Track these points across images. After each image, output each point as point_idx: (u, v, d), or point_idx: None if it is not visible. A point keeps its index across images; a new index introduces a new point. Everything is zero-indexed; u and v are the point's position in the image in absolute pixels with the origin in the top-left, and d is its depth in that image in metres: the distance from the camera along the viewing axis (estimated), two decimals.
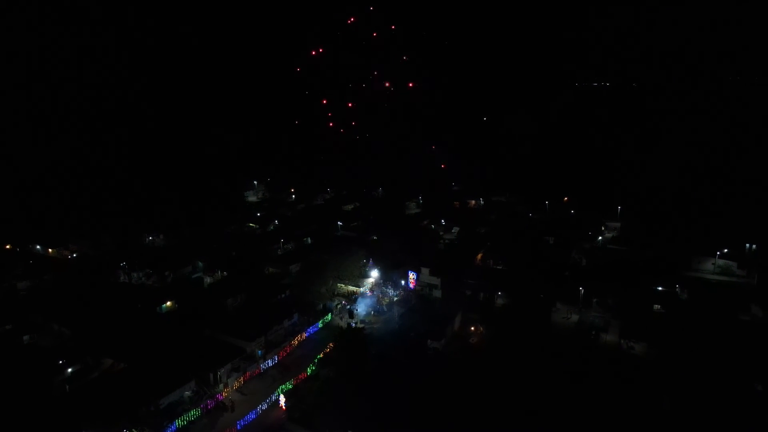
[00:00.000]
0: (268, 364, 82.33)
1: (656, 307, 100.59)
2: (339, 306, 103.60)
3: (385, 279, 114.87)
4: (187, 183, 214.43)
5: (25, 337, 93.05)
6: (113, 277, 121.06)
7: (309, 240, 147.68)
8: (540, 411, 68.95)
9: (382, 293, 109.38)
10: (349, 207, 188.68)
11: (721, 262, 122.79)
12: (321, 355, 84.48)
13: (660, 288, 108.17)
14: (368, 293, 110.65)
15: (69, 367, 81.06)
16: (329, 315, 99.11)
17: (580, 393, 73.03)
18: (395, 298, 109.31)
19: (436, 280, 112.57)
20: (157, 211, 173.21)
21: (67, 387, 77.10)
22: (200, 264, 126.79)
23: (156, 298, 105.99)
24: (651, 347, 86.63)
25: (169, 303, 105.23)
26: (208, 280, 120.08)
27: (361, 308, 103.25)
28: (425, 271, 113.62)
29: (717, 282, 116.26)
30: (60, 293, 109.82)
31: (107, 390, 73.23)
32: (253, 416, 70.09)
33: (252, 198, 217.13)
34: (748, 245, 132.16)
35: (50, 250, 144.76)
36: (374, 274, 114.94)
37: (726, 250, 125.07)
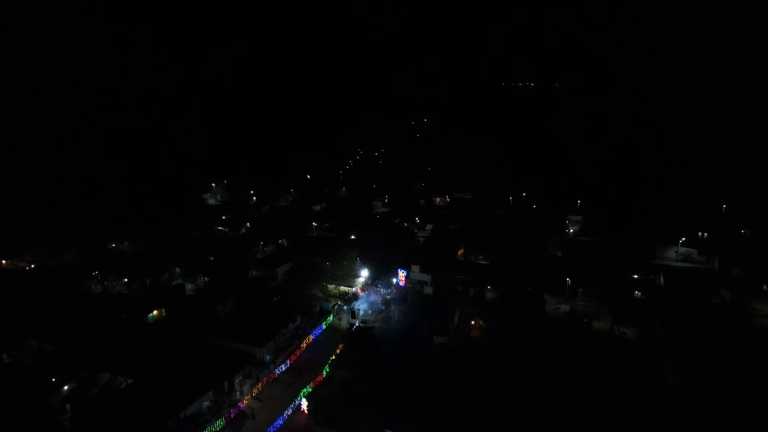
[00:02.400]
0: (281, 368, 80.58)
1: (637, 293, 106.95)
2: (336, 307, 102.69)
3: (375, 278, 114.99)
4: (142, 186, 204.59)
5: (3, 356, 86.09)
6: (85, 288, 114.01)
7: (284, 242, 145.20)
8: (555, 398, 71.71)
9: (375, 291, 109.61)
10: (317, 207, 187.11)
11: (683, 249, 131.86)
12: (333, 357, 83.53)
13: (636, 276, 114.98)
14: (360, 292, 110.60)
15: (64, 385, 75.91)
16: (331, 316, 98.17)
17: (589, 378, 76.44)
18: (388, 296, 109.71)
19: (426, 277, 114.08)
20: (115, 217, 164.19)
21: (68, 406, 72.25)
22: (177, 270, 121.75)
23: (141, 307, 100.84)
24: (641, 331, 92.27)
25: (155, 312, 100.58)
26: (189, 286, 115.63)
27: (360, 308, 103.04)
28: (415, 268, 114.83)
29: (681, 268, 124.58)
30: (29, 307, 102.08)
31: (117, 406, 69.40)
32: (280, 422, 68.56)
33: (211, 201, 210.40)
34: (700, 233, 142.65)
35: (3, 261, 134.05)
36: (364, 273, 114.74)
37: (684, 239, 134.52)
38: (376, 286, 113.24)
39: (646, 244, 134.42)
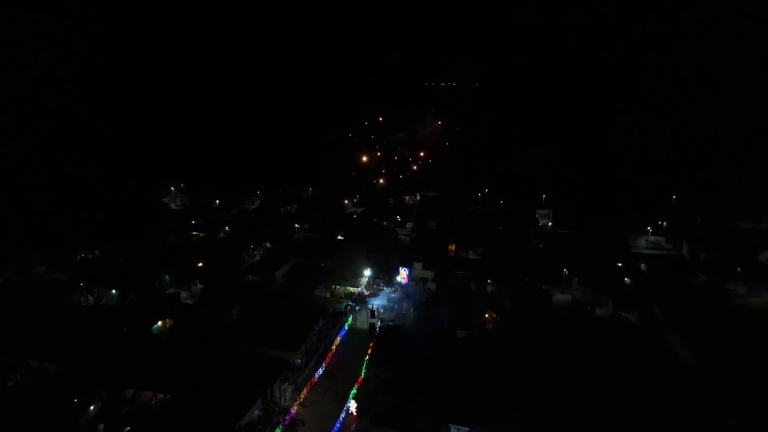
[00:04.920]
0: (319, 372, 79.68)
1: (626, 280, 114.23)
2: (347, 307, 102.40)
3: (376, 276, 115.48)
4: (98, 191, 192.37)
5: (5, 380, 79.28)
6: (74, 301, 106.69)
7: (268, 245, 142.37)
8: (587, 378, 75.41)
9: (388, 290, 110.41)
10: (288, 209, 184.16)
11: (652, 238, 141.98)
12: (367, 357, 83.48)
13: (620, 264, 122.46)
14: (365, 292, 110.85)
15: (90, 405, 71.15)
16: (350, 317, 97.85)
17: (609, 359, 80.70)
18: (392, 294, 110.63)
19: (428, 274, 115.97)
20: (77, 225, 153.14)
21: (101, 426, 67.97)
22: (167, 278, 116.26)
23: (144, 318, 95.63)
24: (641, 315, 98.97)
25: (160, 323, 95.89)
26: (184, 294, 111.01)
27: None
28: (417, 265, 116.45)
29: (654, 255, 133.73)
30: (15, 325, 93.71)
31: (161, 422, 65.93)
32: (338, 425, 67.98)
33: (171, 205, 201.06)
34: (660, 222, 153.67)
35: None
36: (366, 272, 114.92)
37: (650, 228, 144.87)
38: (378, 285, 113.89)
39: (619, 233, 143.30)
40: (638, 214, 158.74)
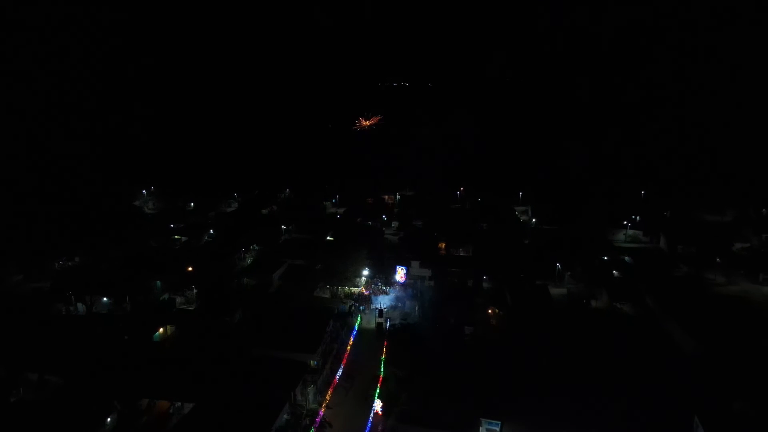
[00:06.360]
0: (338, 373, 79.34)
1: (615, 273, 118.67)
2: (352, 308, 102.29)
3: (373, 275, 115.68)
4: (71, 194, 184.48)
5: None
6: (58, 310, 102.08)
7: (256, 246, 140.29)
8: (594, 366, 78.07)
9: (394, 290, 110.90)
10: (266, 211, 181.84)
11: (630, 232, 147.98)
12: (383, 356, 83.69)
13: (606, 258, 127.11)
14: (364, 291, 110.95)
15: (107, 417, 68.57)
16: (359, 318, 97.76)
17: (610, 348, 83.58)
18: (397, 293, 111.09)
19: (426, 272, 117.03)
20: (48, 232, 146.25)
21: None
22: (158, 284, 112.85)
23: (146, 326, 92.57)
24: (636, 306, 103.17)
25: (161, 330, 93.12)
26: (179, 300, 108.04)
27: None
28: (415, 264, 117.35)
29: (633, 249, 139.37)
30: (7, 337, 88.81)
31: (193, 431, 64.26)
32: (369, 426, 68.02)
33: (144, 209, 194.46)
34: (633, 216, 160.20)
35: None
36: (364, 272, 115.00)
37: (628, 223, 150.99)
38: (377, 285, 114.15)
39: (599, 228, 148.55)
40: (613, 208, 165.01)
